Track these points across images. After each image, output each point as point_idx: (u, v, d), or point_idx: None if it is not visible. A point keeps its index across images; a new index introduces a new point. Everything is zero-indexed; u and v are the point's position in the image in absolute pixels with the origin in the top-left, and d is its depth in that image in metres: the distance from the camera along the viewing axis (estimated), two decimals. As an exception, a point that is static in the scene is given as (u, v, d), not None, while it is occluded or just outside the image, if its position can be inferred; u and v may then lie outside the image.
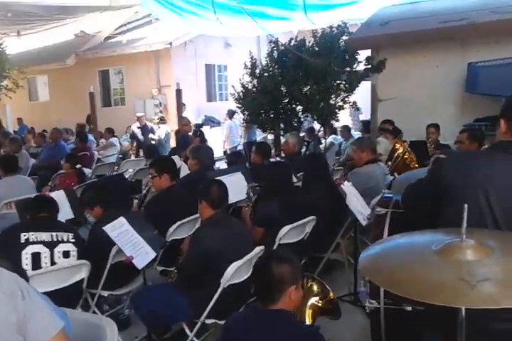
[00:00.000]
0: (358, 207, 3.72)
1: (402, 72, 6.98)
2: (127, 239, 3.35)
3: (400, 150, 4.42)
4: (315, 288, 2.29)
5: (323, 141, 8.42)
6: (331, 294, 2.25)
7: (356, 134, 9.08)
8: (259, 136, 9.66)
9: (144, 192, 4.64)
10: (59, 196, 4.24)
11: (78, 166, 5.79)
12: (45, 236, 3.14)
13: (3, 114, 14.29)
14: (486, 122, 6.07)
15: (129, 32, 14.90)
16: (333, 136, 8.65)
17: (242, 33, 11.53)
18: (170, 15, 9.54)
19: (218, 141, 11.66)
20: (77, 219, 4.43)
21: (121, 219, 3.36)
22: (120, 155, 9.16)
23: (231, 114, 10.49)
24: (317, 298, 2.27)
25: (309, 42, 7.29)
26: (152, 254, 3.39)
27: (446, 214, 1.85)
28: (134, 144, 10.16)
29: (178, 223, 3.81)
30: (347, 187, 3.74)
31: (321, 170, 4.10)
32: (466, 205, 1.29)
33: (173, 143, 10.18)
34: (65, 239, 3.21)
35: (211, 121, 12.87)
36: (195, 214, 4.03)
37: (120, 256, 3.29)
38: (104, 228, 3.22)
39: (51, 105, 15.75)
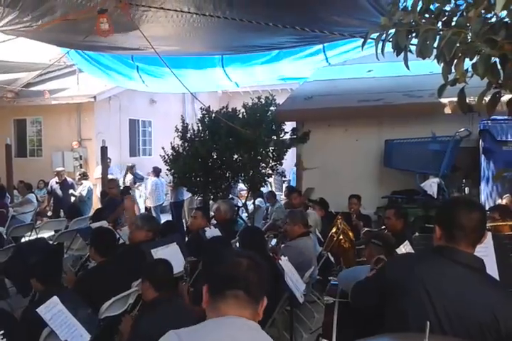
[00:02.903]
0: (295, 282, 3.86)
1: (325, 144, 7.48)
2: (61, 321, 3.21)
3: (334, 230, 4.69)
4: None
5: (249, 203, 8.62)
6: None
7: (282, 198, 9.40)
8: (186, 195, 9.66)
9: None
10: (-21, 268, 3.98)
11: (-3, 230, 5.43)
12: None
13: None
14: (402, 195, 6.62)
15: (49, 81, 14.53)
16: (259, 199, 8.90)
17: (166, 91, 11.80)
18: (95, 71, 9.58)
19: (141, 198, 11.46)
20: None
21: (55, 299, 3.22)
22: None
23: (157, 172, 10.45)
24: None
25: (239, 110, 7.66)
26: (87, 336, 3.27)
27: (392, 314, 2.03)
28: (51, 200, 9.70)
29: (112, 300, 3.71)
30: (284, 262, 3.87)
31: (259, 244, 4.21)
32: (428, 322, 1.45)
33: (95, 201, 9.87)
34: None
35: (134, 177, 12.66)
36: (128, 289, 3.97)
37: (52, 340, 3.12)
38: (37, 310, 3.06)
39: (-44, 153, 14.68)
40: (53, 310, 3.18)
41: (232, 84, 9.25)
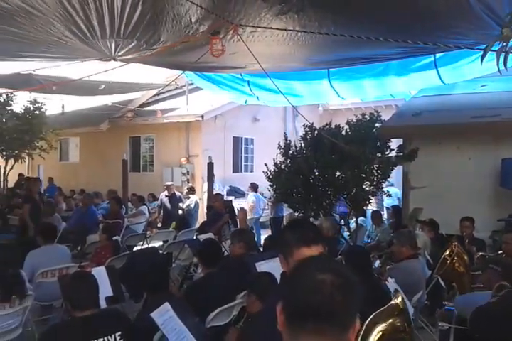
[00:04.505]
0: (402, 306, 3.67)
1: (435, 162, 7.13)
2: (172, 327, 3.34)
3: (447, 253, 4.41)
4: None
5: (351, 221, 8.43)
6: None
7: (385, 219, 9.08)
8: (285, 211, 9.75)
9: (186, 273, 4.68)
10: (100, 273, 4.29)
11: (115, 238, 5.86)
12: None
13: (36, 174, 14.68)
14: (521, 219, 6.09)
15: (161, 102, 15.56)
16: (361, 218, 8.69)
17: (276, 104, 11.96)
18: (210, 87, 10.03)
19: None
20: (116, 296, 4.41)
21: (166, 305, 3.35)
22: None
23: (255, 187, 10.69)
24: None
25: (342, 127, 7.57)
26: (195, 344, 3.36)
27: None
28: (161, 213, 10.30)
29: (218, 310, 3.81)
30: (391, 284, 3.72)
31: (364, 265, 4.08)
32: None
33: (201, 214, 10.30)
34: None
35: (236, 192, 13.06)
36: (234, 301, 4.05)
37: (162, 345, 3.26)
38: (151, 314, 3.22)
39: (80, 166, 16.23)
40: (165, 316, 3.31)
41: (338, 97, 9.14)
